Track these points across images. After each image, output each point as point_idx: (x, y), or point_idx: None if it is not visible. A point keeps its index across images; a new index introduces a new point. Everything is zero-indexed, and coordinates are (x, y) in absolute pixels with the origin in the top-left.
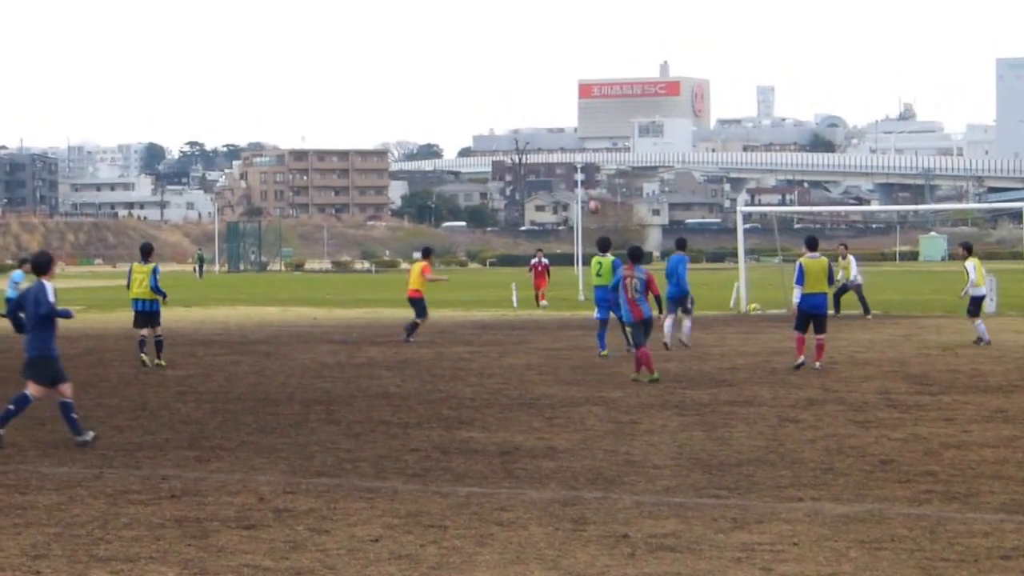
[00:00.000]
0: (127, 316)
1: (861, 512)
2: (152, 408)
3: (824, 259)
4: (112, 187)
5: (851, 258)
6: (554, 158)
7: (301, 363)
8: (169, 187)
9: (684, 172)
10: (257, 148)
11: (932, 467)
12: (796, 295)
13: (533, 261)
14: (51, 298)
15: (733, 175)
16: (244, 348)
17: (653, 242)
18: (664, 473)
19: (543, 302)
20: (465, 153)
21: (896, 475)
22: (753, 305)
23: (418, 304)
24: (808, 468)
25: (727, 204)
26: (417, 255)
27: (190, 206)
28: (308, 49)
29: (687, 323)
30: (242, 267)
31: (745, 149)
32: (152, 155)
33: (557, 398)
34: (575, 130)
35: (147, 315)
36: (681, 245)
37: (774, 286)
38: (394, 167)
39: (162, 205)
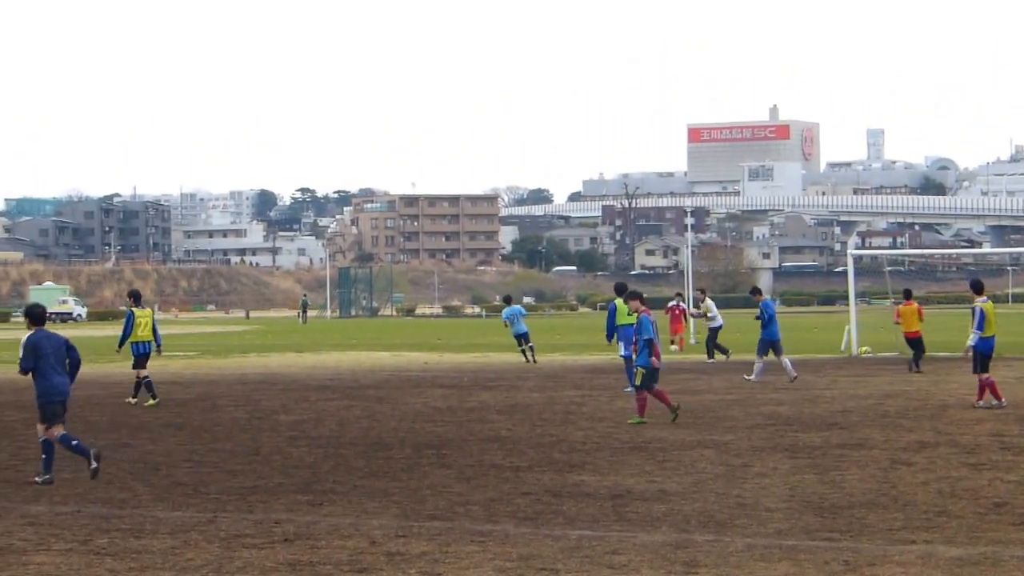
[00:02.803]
0: (240, 362)
1: (975, 555)
2: (265, 453)
3: (991, 302)
4: (224, 234)
5: (710, 302)
6: (664, 202)
7: (412, 407)
8: (281, 233)
9: (794, 215)
10: (368, 194)
11: None
12: (974, 339)
13: (671, 304)
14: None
15: (843, 218)
16: (356, 393)
17: (764, 286)
18: (776, 516)
19: (673, 347)
20: (575, 198)
21: (1010, 517)
22: (864, 348)
23: (919, 343)
24: (921, 511)
25: (837, 247)
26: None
27: (302, 252)
28: (418, 95)
29: (759, 364)
30: (353, 312)
31: (855, 192)
32: (264, 202)
33: (668, 441)
34: (685, 174)
35: (147, 356)
36: (757, 291)
37: (885, 329)
38: (504, 212)
39: (274, 251)
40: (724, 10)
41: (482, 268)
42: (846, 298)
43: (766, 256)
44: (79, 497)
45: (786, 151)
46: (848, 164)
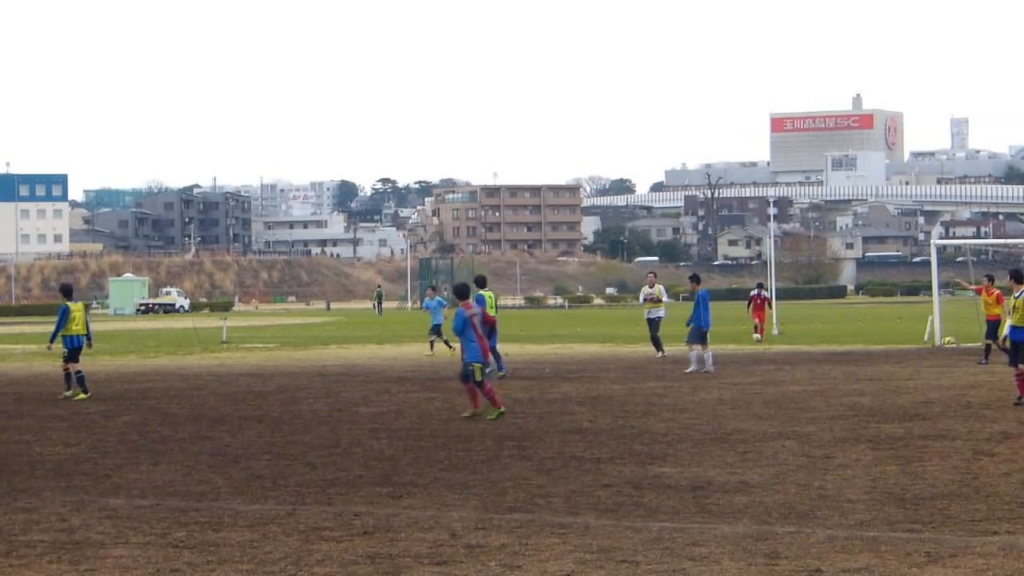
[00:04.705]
0: (320, 354)
1: None
2: (345, 445)
3: None
4: (305, 225)
5: (661, 287)
6: (747, 192)
7: None
8: (362, 224)
9: (877, 205)
10: (449, 184)
11: None
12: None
13: (753, 294)
14: None
15: (927, 208)
16: (436, 384)
17: (847, 276)
18: (857, 507)
19: (755, 336)
20: (657, 188)
21: None
22: (947, 339)
23: None
24: (1003, 502)
25: (921, 237)
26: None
27: (383, 243)
28: (500, 85)
29: (708, 354)
30: None
31: (939, 182)
32: (345, 192)
33: (750, 432)
34: (767, 164)
35: (79, 350)
36: (697, 280)
37: (968, 319)
38: (586, 202)
39: (355, 242)
40: None
41: (564, 259)
42: (929, 288)
43: (849, 246)
44: (157, 490)
45: (869, 140)
46: (932, 153)
